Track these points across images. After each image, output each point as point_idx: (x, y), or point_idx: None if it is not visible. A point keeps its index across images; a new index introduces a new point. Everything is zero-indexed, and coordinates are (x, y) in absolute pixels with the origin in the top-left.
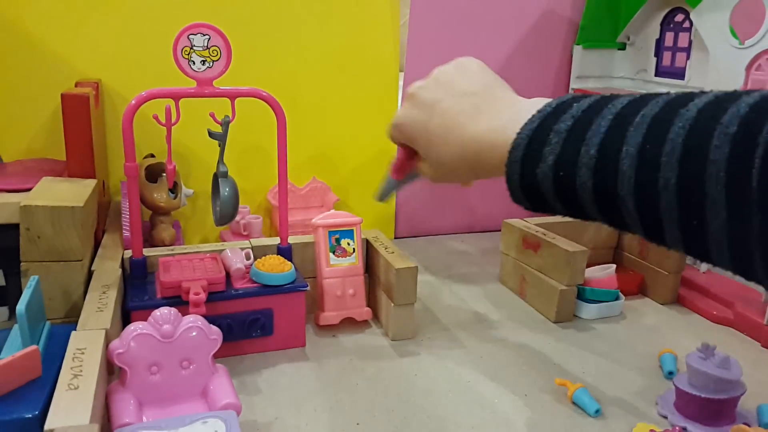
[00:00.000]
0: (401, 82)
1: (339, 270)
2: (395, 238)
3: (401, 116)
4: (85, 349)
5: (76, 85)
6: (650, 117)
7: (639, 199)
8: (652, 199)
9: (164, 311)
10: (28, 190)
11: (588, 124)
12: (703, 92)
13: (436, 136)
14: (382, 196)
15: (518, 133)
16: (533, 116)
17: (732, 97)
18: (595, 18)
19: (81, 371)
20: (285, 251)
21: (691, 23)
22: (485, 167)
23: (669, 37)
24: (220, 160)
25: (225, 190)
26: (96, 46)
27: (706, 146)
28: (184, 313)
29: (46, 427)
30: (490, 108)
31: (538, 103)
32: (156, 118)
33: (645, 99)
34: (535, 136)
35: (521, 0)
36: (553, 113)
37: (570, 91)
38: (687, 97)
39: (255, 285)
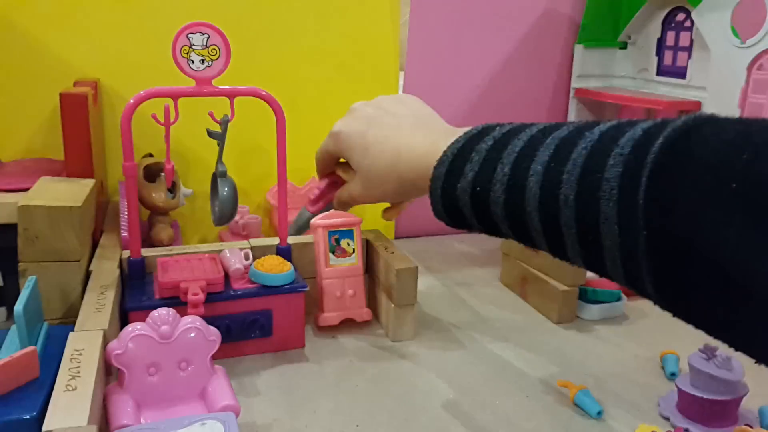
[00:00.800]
0: (401, 82)
1: (339, 270)
2: (395, 238)
3: (340, 125)
4: (83, 350)
5: (74, 85)
6: (559, 138)
7: (542, 214)
8: (553, 214)
9: (162, 312)
10: (26, 189)
11: (506, 144)
12: (610, 121)
13: (372, 143)
14: (298, 231)
15: (444, 151)
16: (459, 137)
17: (632, 123)
18: (596, 17)
19: (79, 372)
20: (284, 251)
21: (693, 22)
22: (414, 181)
23: (670, 36)
24: (219, 160)
25: (224, 190)
26: (95, 45)
27: (602, 165)
28: (183, 314)
29: (44, 428)
30: (425, 127)
31: (469, 128)
32: (155, 117)
33: (559, 125)
34: (459, 154)
35: (521, 0)
36: (478, 135)
37: (571, 90)
38: (595, 124)
39: (254, 285)
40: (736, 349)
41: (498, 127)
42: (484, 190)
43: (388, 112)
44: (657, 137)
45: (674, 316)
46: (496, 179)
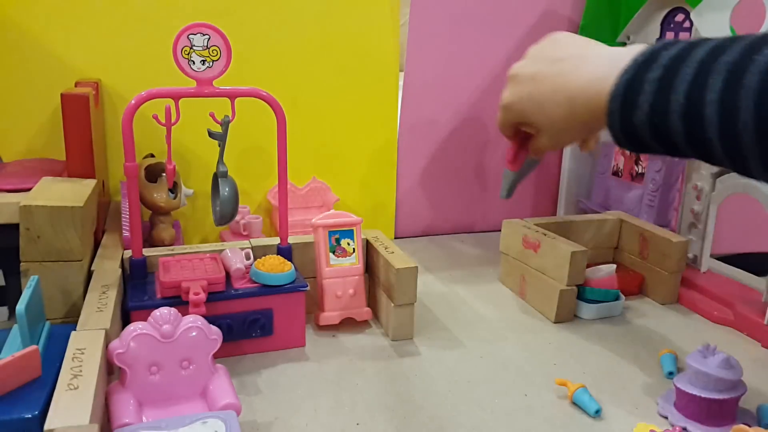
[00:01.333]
0: (401, 82)
1: (339, 270)
2: (395, 238)
3: (508, 96)
4: (84, 349)
5: (76, 85)
6: (729, 63)
7: (725, 141)
8: (735, 140)
9: (164, 311)
10: (28, 190)
11: (675, 72)
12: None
13: (545, 100)
14: (508, 192)
15: (614, 84)
16: (627, 66)
17: None
18: (595, 18)
19: (81, 371)
20: (285, 251)
21: (692, 23)
22: (596, 118)
23: (669, 36)
24: (220, 160)
25: (225, 190)
26: (96, 46)
27: None
28: (184, 313)
29: (46, 427)
30: (588, 63)
31: (633, 51)
32: (156, 118)
33: (724, 46)
34: (630, 86)
35: (521, 0)
36: (644, 63)
37: None
38: (762, 41)
39: (255, 285)
40: None
41: (664, 52)
42: (662, 122)
43: (545, 62)
44: None
45: None
46: (672, 110)
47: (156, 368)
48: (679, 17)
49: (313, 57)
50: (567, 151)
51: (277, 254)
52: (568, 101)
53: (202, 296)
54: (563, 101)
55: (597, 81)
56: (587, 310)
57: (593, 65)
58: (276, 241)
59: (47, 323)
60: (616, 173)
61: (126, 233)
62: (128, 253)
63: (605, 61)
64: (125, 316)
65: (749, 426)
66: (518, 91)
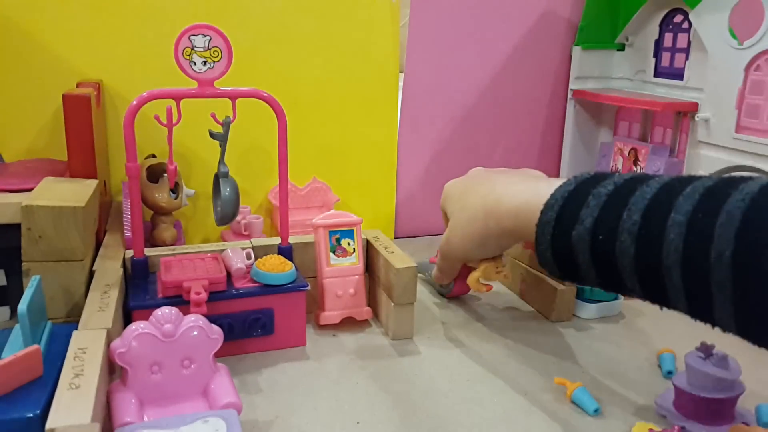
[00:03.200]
0: (401, 83)
1: (339, 270)
2: (395, 238)
3: (447, 183)
4: (86, 349)
5: (77, 86)
6: (703, 188)
7: (687, 271)
8: (703, 272)
9: (165, 311)
10: (30, 190)
11: (631, 190)
12: (759, 175)
13: (471, 187)
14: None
15: (552, 194)
16: (568, 180)
17: None
18: (594, 19)
19: (82, 371)
20: (285, 251)
21: (690, 24)
22: (510, 227)
23: (668, 37)
24: (221, 161)
25: (226, 190)
26: (97, 46)
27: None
28: (185, 313)
29: (48, 426)
30: (528, 177)
31: (576, 174)
32: (157, 118)
33: (695, 177)
34: (571, 198)
35: (521, 0)
36: (591, 179)
37: (569, 91)
38: (743, 180)
39: (256, 285)
40: None
41: (616, 174)
42: (608, 239)
43: (494, 171)
44: None
45: None
46: (623, 227)
47: (157, 367)
48: (678, 18)
49: (313, 57)
50: (565, 152)
51: (278, 254)
52: (489, 194)
53: (204, 296)
54: (486, 193)
55: (529, 190)
56: (587, 309)
57: (530, 178)
58: (277, 240)
59: (49, 323)
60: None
61: (127, 233)
62: (130, 253)
63: (543, 178)
64: (127, 315)
65: (747, 425)
66: (456, 181)
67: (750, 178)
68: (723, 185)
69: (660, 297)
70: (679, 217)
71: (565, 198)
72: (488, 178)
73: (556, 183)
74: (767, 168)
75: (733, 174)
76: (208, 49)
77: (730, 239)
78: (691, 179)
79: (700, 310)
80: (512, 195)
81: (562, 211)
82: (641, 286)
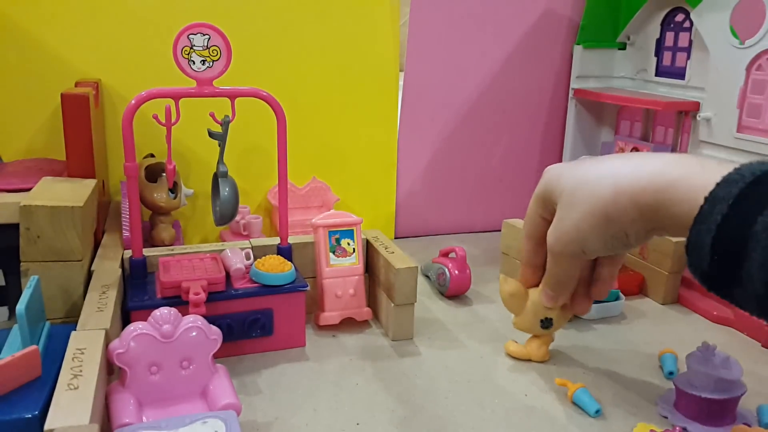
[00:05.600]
0: (401, 82)
1: (339, 270)
2: (395, 238)
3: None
4: (84, 349)
5: (76, 85)
6: None
7: None
8: None
9: (164, 311)
10: (28, 190)
11: None
12: None
13: (589, 165)
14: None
15: (737, 169)
16: (753, 162)
17: None
18: (595, 18)
19: (81, 371)
20: (285, 251)
21: (692, 23)
22: (645, 204)
23: (669, 36)
24: (220, 160)
25: (225, 190)
26: (96, 46)
27: None
28: (184, 313)
29: (46, 427)
30: (644, 157)
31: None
32: (156, 117)
33: None
34: (763, 179)
35: (521, 0)
36: None
37: (570, 90)
38: None
39: (255, 285)
40: None
41: None
42: None
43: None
44: None
45: None
46: None
47: (156, 368)
48: (679, 17)
49: (313, 57)
50: (567, 152)
51: (277, 254)
52: (617, 166)
53: (202, 296)
54: (611, 165)
55: (685, 165)
56: None
57: (674, 157)
58: (276, 241)
59: (47, 323)
60: None
61: (126, 233)
62: (128, 253)
63: (691, 157)
64: (125, 316)
65: (749, 426)
66: (557, 168)
67: None
68: None
69: None
70: None
71: (754, 176)
72: (614, 155)
73: (725, 164)
74: None
75: None
76: (207, 48)
77: None
78: None
79: None
80: (660, 167)
81: (747, 192)
82: None
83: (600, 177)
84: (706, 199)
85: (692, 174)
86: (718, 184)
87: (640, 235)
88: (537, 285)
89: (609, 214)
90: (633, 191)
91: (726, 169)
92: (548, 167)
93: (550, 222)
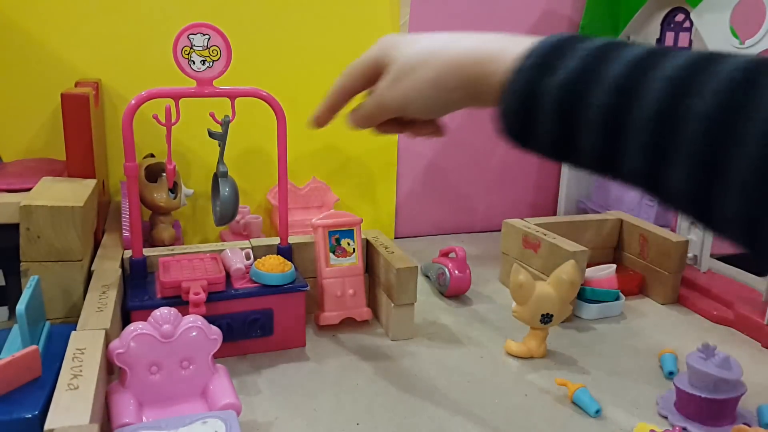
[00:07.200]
0: None
1: (339, 270)
2: (395, 238)
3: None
4: (85, 349)
5: (76, 85)
6: (695, 53)
7: (657, 125)
8: (674, 127)
9: (164, 311)
10: (28, 190)
11: (620, 47)
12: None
13: (425, 36)
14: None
15: (533, 44)
16: (549, 36)
17: None
18: (595, 18)
19: (81, 371)
20: (285, 251)
21: (692, 23)
22: (467, 76)
23: (669, 37)
24: (220, 160)
25: (225, 190)
26: (96, 46)
27: (760, 82)
28: (184, 313)
29: (46, 427)
30: (472, 36)
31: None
32: (156, 117)
33: (690, 51)
34: (554, 49)
35: (521, 0)
36: (576, 37)
37: None
38: (737, 55)
39: (255, 285)
40: None
41: (599, 38)
42: (581, 90)
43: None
44: None
45: None
46: (603, 79)
47: (156, 368)
48: (679, 17)
49: (313, 57)
50: None
51: (277, 254)
52: (450, 37)
53: (202, 296)
54: (445, 37)
55: (498, 44)
56: (587, 310)
57: (497, 35)
58: (276, 241)
59: (47, 323)
60: None
61: (126, 233)
62: (128, 253)
63: (512, 36)
64: (125, 316)
65: (749, 426)
66: (392, 38)
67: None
68: (717, 54)
69: (615, 157)
70: (666, 73)
71: (547, 49)
72: (447, 33)
73: (530, 39)
74: None
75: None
76: (207, 48)
77: (710, 97)
78: (683, 50)
79: (653, 170)
80: (483, 43)
81: (541, 60)
82: (602, 143)
83: (433, 51)
84: (512, 71)
85: (506, 47)
86: (519, 58)
87: (463, 102)
88: (325, 124)
89: (438, 83)
90: (459, 64)
91: (531, 42)
92: (383, 37)
93: (368, 81)
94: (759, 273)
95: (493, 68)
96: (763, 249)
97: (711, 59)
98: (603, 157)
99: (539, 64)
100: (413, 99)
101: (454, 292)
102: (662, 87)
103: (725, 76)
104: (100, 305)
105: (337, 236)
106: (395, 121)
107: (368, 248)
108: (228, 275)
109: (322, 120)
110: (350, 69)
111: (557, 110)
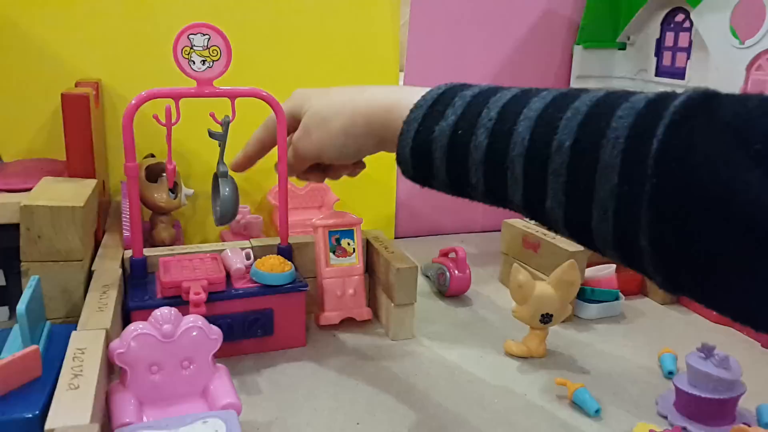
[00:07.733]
0: (401, 82)
1: (339, 270)
2: (395, 238)
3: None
4: (85, 349)
5: (76, 85)
6: (557, 92)
7: (529, 160)
8: (542, 160)
9: (164, 311)
10: (29, 190)
11: (494, 92)
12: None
13: (334, 90)
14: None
15: (422, 96)
16: (439, 86)
17: (641, 91)
18: (595, 18)
19: (81, 371)
20: (285, 251)
21: (692, 23)
22: (372, 127)
23: (669, 37)
24: (221, 160)
25: (225, 190)
26: (96, 45)
27: (609, 116)
28: (185, 313)
29: (47, 426)
30: (390, 87)
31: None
32: (156, 118)
33: (556, 89)
34: (440, 99)
35: (521, 0)
36: (459, 85)
37: None
38: (598, 89)
39: (255, 285)
40: (726, 313)
41: (483, 84)
42: (466, 133)
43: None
44: (676, 97)
45: (665, 276)
46: (481, 123)
47: (156, 368)
48: (680, 17)
49: (313, 57)
50: None
51: (278, 254)
52: (355, 92)
53: (203, 296)
54: (351, 92)
55: (395, 95)
56: (587, 310)
57: (397, 87)
58: (276, 241)
59: (48, 323)
60: None
61: (126, 233)
62: (129, 253)
63: (407, 88)
64: (126, 315)
65: (749, 426)
66: (305, 91)
67: (601, 89)
68: (576, 91)
69: (500, 191)
70: (531, 113)
71: (435, 98)
72: (353, 86)
73: (422, 90)
74: None
75: (592, 89)
76: (207, 48)
77: (572, 130)
78: (551, 89)
79: (533, 200)
80: (385, 94)
81: (430, 110)
82: (485, 179)
83: (343, 102)
84: (403, 122)
85: (404, 98)
86: (411, 109)
87: (374, 148)
88: (243, 171)
89: (346, 133)
90: (367, 113)
91: (421, 94)
92: (296, 90)
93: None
94: None
95: (395, 116)
96: (638, 265)
97: (569, 96)
98: (494, 194)
99: (425, 115)
100: (327, 147)
101: (454, 292)
102: (528, 126)
103: (584, 110)
104: (101, 305)
105: (337, 236)
106: (317, 168)
107: (368, 248)
108: (228, 275)
109: (239, 168)
110: (267, 122)
111: (447, 154)
